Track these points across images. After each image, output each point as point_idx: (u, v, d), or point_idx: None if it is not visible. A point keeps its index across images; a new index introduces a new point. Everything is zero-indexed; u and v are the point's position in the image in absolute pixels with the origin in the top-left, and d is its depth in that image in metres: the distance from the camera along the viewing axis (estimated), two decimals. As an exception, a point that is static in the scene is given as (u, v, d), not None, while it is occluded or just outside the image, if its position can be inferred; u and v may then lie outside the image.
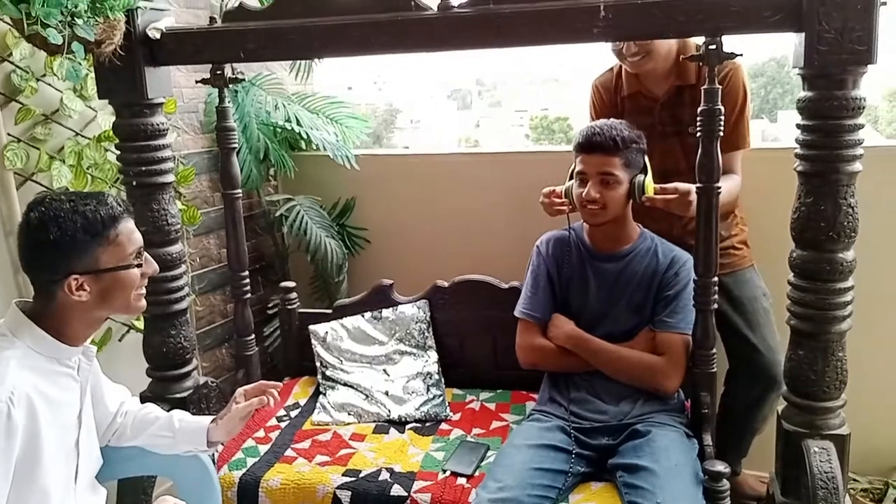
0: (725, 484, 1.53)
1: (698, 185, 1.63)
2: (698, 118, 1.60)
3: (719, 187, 1.63)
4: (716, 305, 1.70)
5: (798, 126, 1.53)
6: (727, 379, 2.10)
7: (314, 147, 2.77)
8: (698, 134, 1.60)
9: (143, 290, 1.35)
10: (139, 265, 1.31)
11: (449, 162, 2.75)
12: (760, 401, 2.05)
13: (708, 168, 1.60)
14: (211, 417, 1.54)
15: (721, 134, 1.59)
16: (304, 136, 2.71)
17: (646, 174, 1.81)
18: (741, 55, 1.57)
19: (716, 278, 1.67)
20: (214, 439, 1.52)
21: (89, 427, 1.40)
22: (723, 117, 1.59)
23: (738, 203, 2.07)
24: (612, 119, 1.85)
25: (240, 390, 1.55)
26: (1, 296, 1.96)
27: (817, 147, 1.51)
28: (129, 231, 1.30)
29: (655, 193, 1.81)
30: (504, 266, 2.32)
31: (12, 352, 1.21)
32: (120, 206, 1.29)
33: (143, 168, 1.87)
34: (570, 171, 1.89)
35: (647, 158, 1.84)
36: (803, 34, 1.43)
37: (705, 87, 1.58)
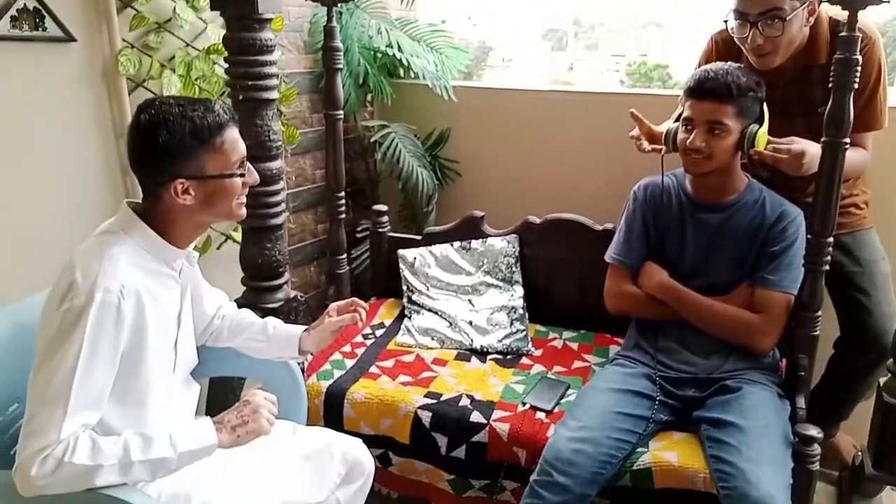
0: (816, 448, 1.48)
1: (825, 139, 1.52)
2: (832, 67, 1.48)
3: (847, 142, 1.51)
4: (828, 266, 1.61)
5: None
6: (836, 344, 2.00)
7: (412, 75, 2.75)
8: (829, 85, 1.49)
9: (244, 199, 1.37)
10: (242, 175, 1.32)
11: (546, 99, 2.68)
12: (869, 370, 1.94)
13: (838, 120, 1.48)
14: (303, 327, 1.58)
15: (856, 86, 1.47)
16: (405, 63, 2.68)
17: (760, 125, 1.69)
18: (888, 1, 1.43)
19: (831, 238, 1.58)
20: (305, 348, 1.57)
21: (187, 328, 1.45)
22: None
23: None
24: (728, 63, 1.73)
25: (332, 305, 1.58)
26: (110, 197, 2.06)
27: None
28: (234, 140, 1.30)
29: (768, 147, 1.70)
30: (596, 208, 2.28)
31: (123, 248, 1.25)
32: (227, 114, 1.30)
33: (250, 82, 1.89)
34: (678, 114, 1.80)
35: (765, 108, 1.72)
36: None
37: (843, 34, 1.45)
